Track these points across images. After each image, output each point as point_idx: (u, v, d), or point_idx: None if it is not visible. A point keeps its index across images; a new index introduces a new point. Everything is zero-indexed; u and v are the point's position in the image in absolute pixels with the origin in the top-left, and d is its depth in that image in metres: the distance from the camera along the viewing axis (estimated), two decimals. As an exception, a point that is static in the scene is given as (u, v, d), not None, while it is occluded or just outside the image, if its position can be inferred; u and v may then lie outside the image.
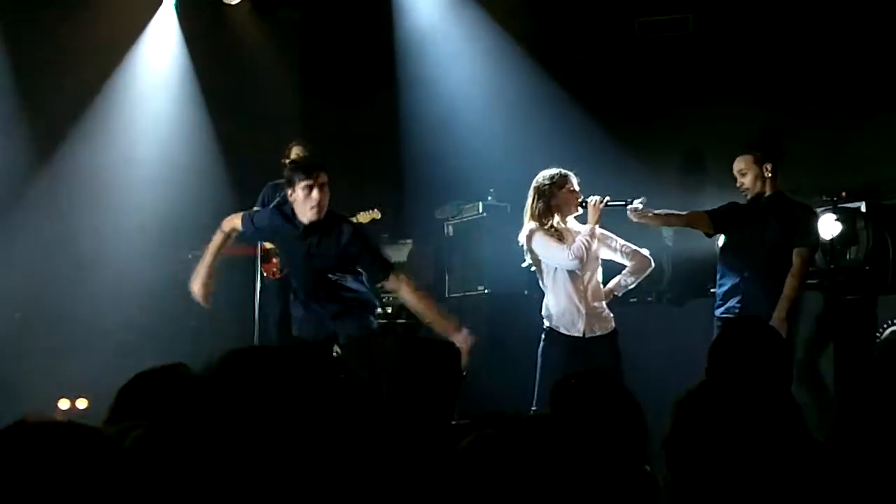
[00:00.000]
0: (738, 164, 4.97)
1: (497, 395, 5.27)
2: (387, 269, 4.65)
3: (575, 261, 4.78)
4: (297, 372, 1.22)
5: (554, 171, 4.93)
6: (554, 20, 7.87)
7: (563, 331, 4.86)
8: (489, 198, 7.13)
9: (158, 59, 7.67)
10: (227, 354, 1.24)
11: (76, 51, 7.12)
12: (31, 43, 7.04)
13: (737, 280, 4.92)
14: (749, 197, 4.96)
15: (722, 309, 4.94)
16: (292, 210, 4.60)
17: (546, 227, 4.87)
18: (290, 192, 4.55)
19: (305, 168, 4.55)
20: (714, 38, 7.37)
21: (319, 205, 4.49)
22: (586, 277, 4.90)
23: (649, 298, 6.41)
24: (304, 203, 4.49)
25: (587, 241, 4.79)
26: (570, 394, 2.39)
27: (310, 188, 4.46)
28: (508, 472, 1.12)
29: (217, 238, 4.84)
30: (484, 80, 7.73)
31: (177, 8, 7.76)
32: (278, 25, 8.24)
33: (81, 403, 6.29)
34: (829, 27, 6.68)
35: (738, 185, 4.98)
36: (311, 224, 4.56)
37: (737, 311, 4.85)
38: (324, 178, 4.50)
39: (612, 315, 4.97)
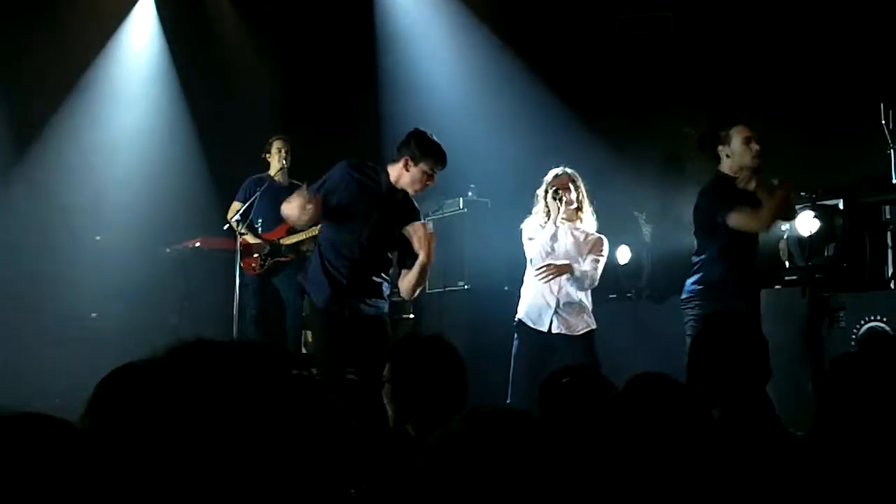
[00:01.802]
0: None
1: (476, 390, 5.25)
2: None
3: (531, 258, 4.93)
4: (247, 371, 1.18)
5: (556, 169, 5.04)
6: (535, 16, 7.87)
7: (530, 324, 4.93)
8: (470, 193, 7.12)
9: (137, 52, 7.62)
10: (176, 347, 1.20)
11: (55, 44, 7.06)
12: (6, 39, 6.97)
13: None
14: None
15: None
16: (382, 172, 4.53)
17: (537, 222, 5.00)
18: (404, 160, 4.45)
19: (442, 159, 4.52)
20: (694, 37, 7.39)
21: (423, 190, 4.56)
22: (563, 277, 4.91)
23: (629, 295, 6.42)
24: (416, 181, 4.46)
25: (545, 243, 4.90)
26: (557, 391, 2.39)
27: (431, 177, 4.49)
28: (478, 469, 1.09)
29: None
30: (465, 75, 7.72)
31: (156, 2, 7.71)
32: (258, 19, 8.20)
33: (57, 401, 6.22)
34: (809, 25, 6.72)
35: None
36: (394, 192, 4.51)
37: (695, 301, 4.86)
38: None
39: (590, 318, 4.99)
